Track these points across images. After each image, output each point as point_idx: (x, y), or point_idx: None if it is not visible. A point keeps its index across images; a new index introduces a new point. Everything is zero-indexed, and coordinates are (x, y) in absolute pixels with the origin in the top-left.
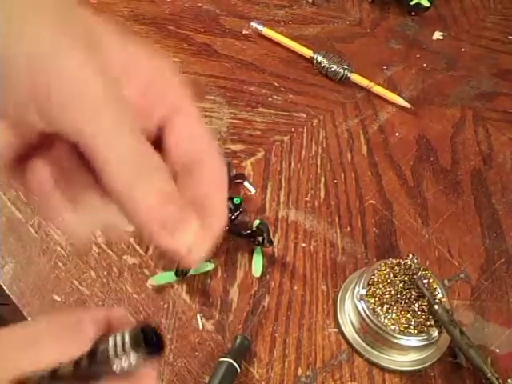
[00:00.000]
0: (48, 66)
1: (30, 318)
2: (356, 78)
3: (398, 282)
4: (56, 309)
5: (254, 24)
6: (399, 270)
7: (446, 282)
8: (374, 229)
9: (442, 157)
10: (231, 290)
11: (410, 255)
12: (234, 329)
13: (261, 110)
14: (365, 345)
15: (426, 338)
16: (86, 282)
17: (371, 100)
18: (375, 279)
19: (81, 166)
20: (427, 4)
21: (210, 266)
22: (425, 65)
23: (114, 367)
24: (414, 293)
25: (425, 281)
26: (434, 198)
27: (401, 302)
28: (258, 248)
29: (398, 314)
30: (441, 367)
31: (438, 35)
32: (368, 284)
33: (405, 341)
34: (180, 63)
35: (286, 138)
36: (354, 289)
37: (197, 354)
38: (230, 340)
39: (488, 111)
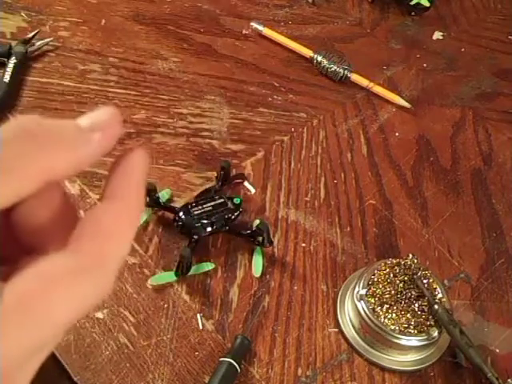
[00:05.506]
0: None
1: None
2: (356, 78)
3: (397, 281)
4: None
5: (253, 24)
6: (399, 270)
7: (445, 282)
8: (374, 229)
9: (442, 157)
10: (231, 290)
11: (410, 255)
12: (234, 329)
13: (261, 109)
14: (365, 345)
15: (425, 338)
16: None
17: (371, 100)
18: (375, 279)
19: None
20: (427, 4)
21: (210, 266)
22: (425, 65)
23: None
24: (413, 293)
25: (425, 281)
26: (434, 198)
27: (401, 302)
28: (258, 248)
29: (398, 313)
30: (441, 367)
31: (438, 35)
32: (368, 284)
33: (405, 341)
34: (180, 63)
35: (285, 138)
36: (354, 289)
37: (197, 353)
38: (230, 340)
39: (488, 111)
